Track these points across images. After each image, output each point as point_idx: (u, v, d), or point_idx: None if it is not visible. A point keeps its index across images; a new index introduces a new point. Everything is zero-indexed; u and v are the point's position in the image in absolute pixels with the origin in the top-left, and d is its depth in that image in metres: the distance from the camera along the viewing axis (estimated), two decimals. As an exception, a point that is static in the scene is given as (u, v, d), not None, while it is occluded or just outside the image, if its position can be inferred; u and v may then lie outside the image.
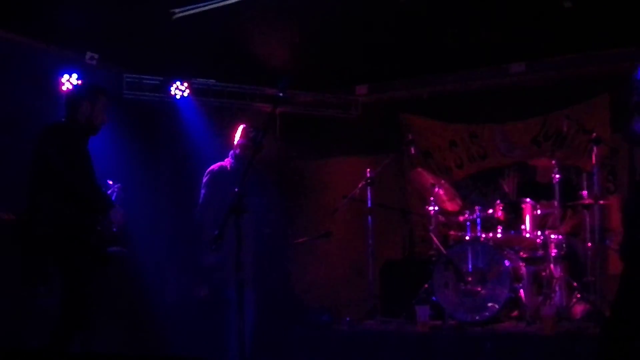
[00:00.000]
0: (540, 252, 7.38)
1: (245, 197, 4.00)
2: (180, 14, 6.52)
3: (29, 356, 4.26)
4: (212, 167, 6.63)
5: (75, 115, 5.50)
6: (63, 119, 5.55)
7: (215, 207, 6.15)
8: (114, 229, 5.36)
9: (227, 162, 6.60)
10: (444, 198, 7.98)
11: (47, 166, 5.22)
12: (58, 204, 5.17)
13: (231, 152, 6.64)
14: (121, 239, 5.66)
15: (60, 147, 5.25)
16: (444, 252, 7.34)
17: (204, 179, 6.56)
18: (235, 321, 5.86)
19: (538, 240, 7.36)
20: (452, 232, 7.83)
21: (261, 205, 6.60)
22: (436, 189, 7.75)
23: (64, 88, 7.45)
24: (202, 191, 6.54)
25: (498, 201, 7.58)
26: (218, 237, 4.01)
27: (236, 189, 3.97)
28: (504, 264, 6.99)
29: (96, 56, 7.69)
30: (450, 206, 8.06)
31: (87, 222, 5.25)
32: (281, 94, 4.38)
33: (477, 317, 6.92)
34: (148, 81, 8.33)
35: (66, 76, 7.47)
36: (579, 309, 6.90)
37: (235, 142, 6.62)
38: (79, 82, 7.43)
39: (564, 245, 7.24)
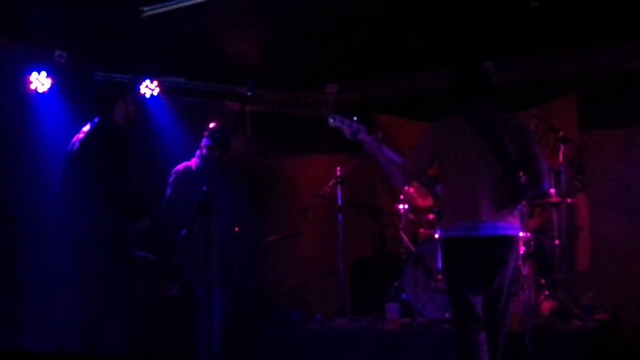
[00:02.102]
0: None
1: (212, 197, 3.99)
2: (150, 12, 6.48)
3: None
4: (177, 167, 6.62)
5: (111, 115, 5.59)
6: (101, 121, 5.57)
7: (180, 207, 6.15)
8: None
9: (192, 162, 6.60)
10: (415, 195, 8.01)
11: (90, 169, 5.22)
12: (97, 205, 5.19)
13: (197, 151, 6.64)
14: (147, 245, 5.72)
15: (104, 152, 5.29)
16: (414, 250, 7.38)
17: (170, 179, 6.55)
18: (204, 321, 5.90)
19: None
20: (422, 230, 7.86)
21: (229, 204, 6.58)
22: (406, 187, 7.79)
23: (32, 86, 7.40)
24: (167, 191, 6.53)
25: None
26: (186, 237, 4.00)
27: (204, 188, 3.96)
28: (473, 261, 7.02)
29: (65, 54, 7.62)
30: (422, 202, 8.09)
31: (122, 226, 5.27)
32: (249, 94, 4.38)
33: (446, 315, 6.94)
34: (117, 79, 8.27)
35: (35, 74, 7.42)
36: (547, 305, 6.95)
37: (202, 142, 6.61)
38: (49, 80, 7.39)
39: (532, 243, 7.27)
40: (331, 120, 4.92)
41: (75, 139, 5.77)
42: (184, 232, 4.01)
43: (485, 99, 4.82)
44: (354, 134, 4.85)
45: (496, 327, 4.73)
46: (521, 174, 4.69)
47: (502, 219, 4.59)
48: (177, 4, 6.31)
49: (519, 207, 4.78)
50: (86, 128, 5.78)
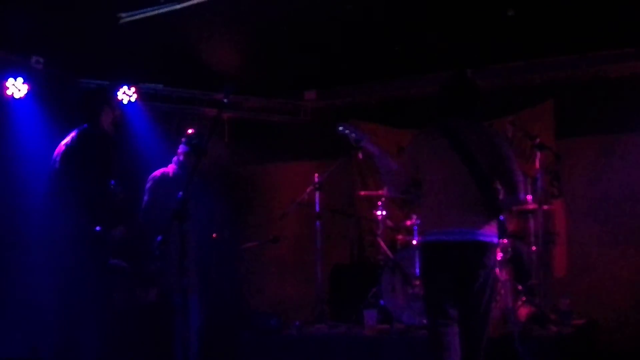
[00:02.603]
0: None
1: (188, 203, 3.98)
2: (128, 19, 6.47)
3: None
4: (154, 173, 6.58)
5: (99, 121, 5.57)
6: (87, 126, 5.52)
7: (157, 213, 6.14)
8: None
9: (170, 168, 6.57)
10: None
11: (76, 174, 5.28)
12: (78, 211, 5.15)
13: (174, 157, 6.61)
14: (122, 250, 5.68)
15: (91, 158, 5.26)
16: (391, 256, 7.40)
17: (147, 185, 6.52)
18: (180, 327, 5.88)
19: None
20: (400, 237, 7.88)
21: (206, 211, 6.57)
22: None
23: (8, 92, 7.36)
24: (145, 197, 6.51)
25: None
26: (162, 243, 3.99)
27: (179, 195, 3.95)
28: (450, 268, 7.05)
29: (42, 60, 7.58)
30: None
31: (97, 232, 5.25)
32: (225, 100, 4.39)
33: (424, 321, 6.96)
34: (95, 85, 8.24)
35: (11, 80, 7.37)
36: (524, 311, 6.98)
37: (179, 149, 6.58)
38: (26, 85, 7.36)
39: (509, 249, 7.33)
40: (340, 128, 5.20)
41: (62, 144, 5.73)
42: (159, 238, 4.00)
43: (466, 113, 4.98)
44: (358, 141, 5.12)
45: (477, 333, 4.80)
46: (497, 184, 4.93)
47: (471, 226, 4.75)
48: (154, 10, 6.30)
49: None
50: (73, 134, 5.74)
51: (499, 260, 7.26)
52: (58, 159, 5.64)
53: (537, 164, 7.30)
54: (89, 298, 5.45)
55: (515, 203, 5.33)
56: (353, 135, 5.16)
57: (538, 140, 7.46)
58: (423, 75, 8.94)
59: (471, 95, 5.07)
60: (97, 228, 5.38)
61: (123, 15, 6.51)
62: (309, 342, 7.05)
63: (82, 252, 5.36)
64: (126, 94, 8.24)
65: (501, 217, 4.75)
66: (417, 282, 7.09)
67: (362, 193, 8.57)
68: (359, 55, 8.27)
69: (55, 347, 5.90)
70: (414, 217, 7.60)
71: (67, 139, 5.73)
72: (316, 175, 7.96)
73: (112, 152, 5.56)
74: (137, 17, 6.46)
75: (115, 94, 8.13)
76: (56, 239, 5.48)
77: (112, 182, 5.83)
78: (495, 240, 4.82)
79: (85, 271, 5.36)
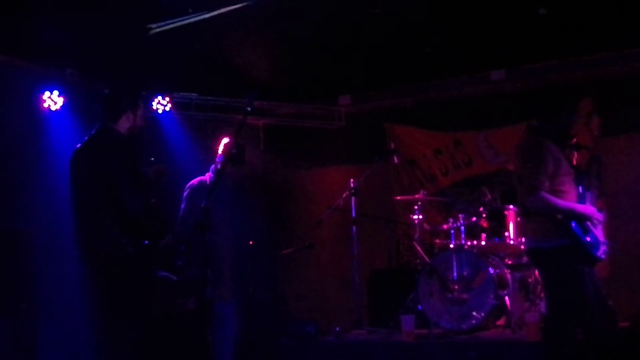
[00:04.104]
0: (525, 259, 7.35)
1: (213, 213, 3.96)
2: (157, 29, 6.51)
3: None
4: (191, 181, 6.60)
5: (115, 124, 5.07)
6: (104, 130, 5.10)
7: (193, 221, 6.13)
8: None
9: (207, 176, 6.58)
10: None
11: (111, 186, 4.83)
12: (114, 232, 4.81)
13: (212, 166, 6.62)
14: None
15: (126, 166, 4.88)
16: (428, 261, 7.33)
17: (184, 194, 6.54)
18: (218, 335, 5.89)
19: (522, 247, 7.35)
20: (437, 241, 7.82)
21: (240, 219, 6.56)
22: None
23: (45, 105, 7.46)
24: (182, 205, 6.52)
25: (481, 209, 7.57)
26: (184, 253, 3.97)
27: (202, 204, 3.93)
28: (489, 271, 6.98)
29: (76, 72, 7.68)
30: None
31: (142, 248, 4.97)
32: (249, 109, 4.36)
33: (462, 326, 6.90)
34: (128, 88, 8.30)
35: (47, 93, 7.49)
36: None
37: (217, 158, 6.58)
38: (61, 98, 7.45)
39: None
40: None
41: (78, 152, 5.20)
42: (182, 247, 3.98)
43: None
44: None
45: None
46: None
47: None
48: (184, 20, 6.33)
49: None
50: (88, 141, 5.22)
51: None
52: (80, 172, 5.11)
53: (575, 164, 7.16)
54: (132, 315, 5.19)
55: None
56: None
57: (574, 139, 7.32)
58: (458, 76, 8.87)
59: None
60: (140, 244, 5.10)
61: (153, 25, 6.56)
62: (347, 348, 7.01)
63: (125, 273, 5.02)
64: (161, 104, 8.31)
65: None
66: (455, 287, 7.02)
67: (399, 198, 8.51)
68: (393, 58, 8.22)
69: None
70: (451, 220, 7.54)
71: (83, 149, 5.17)
72: (352, 180, 7.93)
73: (135, 159, 5.13)
74: (167, 27, 6.49)
75: (145, 105, 8.14)
76: (95, 260, 5.18)
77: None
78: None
79: (132, 291, 5.04)
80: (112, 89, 5.30)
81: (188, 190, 6.55)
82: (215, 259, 5.63)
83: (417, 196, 7.93)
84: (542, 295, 7.03)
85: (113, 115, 5.12)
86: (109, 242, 4.82)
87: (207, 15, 6.25)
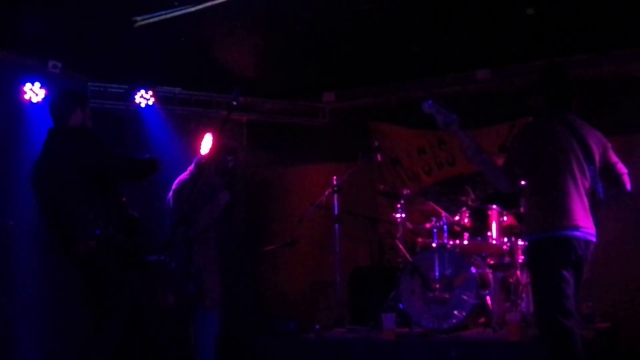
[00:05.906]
0: (507, 259, 7.38)
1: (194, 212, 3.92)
2: (143, 22, 6.45)
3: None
4: (173, 184, 6.43)
5: (67, 122, 5.25)
6: (59, 127, 5.27)
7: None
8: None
9: (187, 172, 6.43)
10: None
11: (89, 173, 4.99)
12: (96, 214, 4.88)
13: (195, 159, 6.47)
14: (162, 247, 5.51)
15: (95, 146, 5.11)
16: (410, 259, 7.32)
17: (169, 195, 6.42)
18: (198, 331, 5.85)
19: (505, 247, 7.37)
20: (419, 240, 7.82)
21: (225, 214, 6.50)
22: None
23: (26, 97, 7.38)
24: (170, 203, 6.42)
25: (464, 208, 7.57)
26: (166, 246, 3.94)
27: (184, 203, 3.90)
28: (471, 270, 6.97)
29: (59, 64, 7.60)
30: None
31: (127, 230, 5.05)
32: (234, 103, 4.34)
33: (443, 325, 6.89)
34: (112, 89, 8.25)
35: (29, 85, 7.41)
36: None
37: (205, 155, 6.43)
38: (43, 90, 7.38)
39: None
40: (426, 106, 4.89)
41: (38, 165, 5.34)
42: (164, 242, 3.93)
43: (570, 105, 4.95)
44: (448, 124, 4.83)
45: None
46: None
47: (591, 224, 4.73)
48: (169, 13, 6.28)
49: None
50: (44, 150, 5.35)
51: (520, 263, 7.19)
52: (54, 170, 5.20)
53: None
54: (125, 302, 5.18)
55: (622, 195, 5.07)
56: (441, 117, 4.85)
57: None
58: (443, 75, 8.86)
59: (570, 87, 5.03)
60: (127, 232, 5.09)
61: (138, 18, 6.50)
62: (328, 346, 6.99)
63: (112, 264, 5.05)
64: (144, 98, 8.24)
65: None
66: (437, 286, 7.01)
67: (382, 187, 8.45)
68: (378, 56, 8.21)
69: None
70: (434, 219, 7.54)
71: (48, 153, 5.30)
72: (334, 177, 7.90)
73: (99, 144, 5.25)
74: (152, 20, 6.43)
75: (131, 97, 8.12)
76: (81, 254, 5.17)
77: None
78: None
79: (120, 278, 5.06)
80: (57, 93, 5.56)
81: (171, 193, 6.45)
82: (202, 266, 5.61)
83: (402, 191, 7.90)
84: (524, 295, 7.06)
85: (62, 116, 5.29)
86: (93, 234, 4.86)
87: (192, 9, 6.19)
